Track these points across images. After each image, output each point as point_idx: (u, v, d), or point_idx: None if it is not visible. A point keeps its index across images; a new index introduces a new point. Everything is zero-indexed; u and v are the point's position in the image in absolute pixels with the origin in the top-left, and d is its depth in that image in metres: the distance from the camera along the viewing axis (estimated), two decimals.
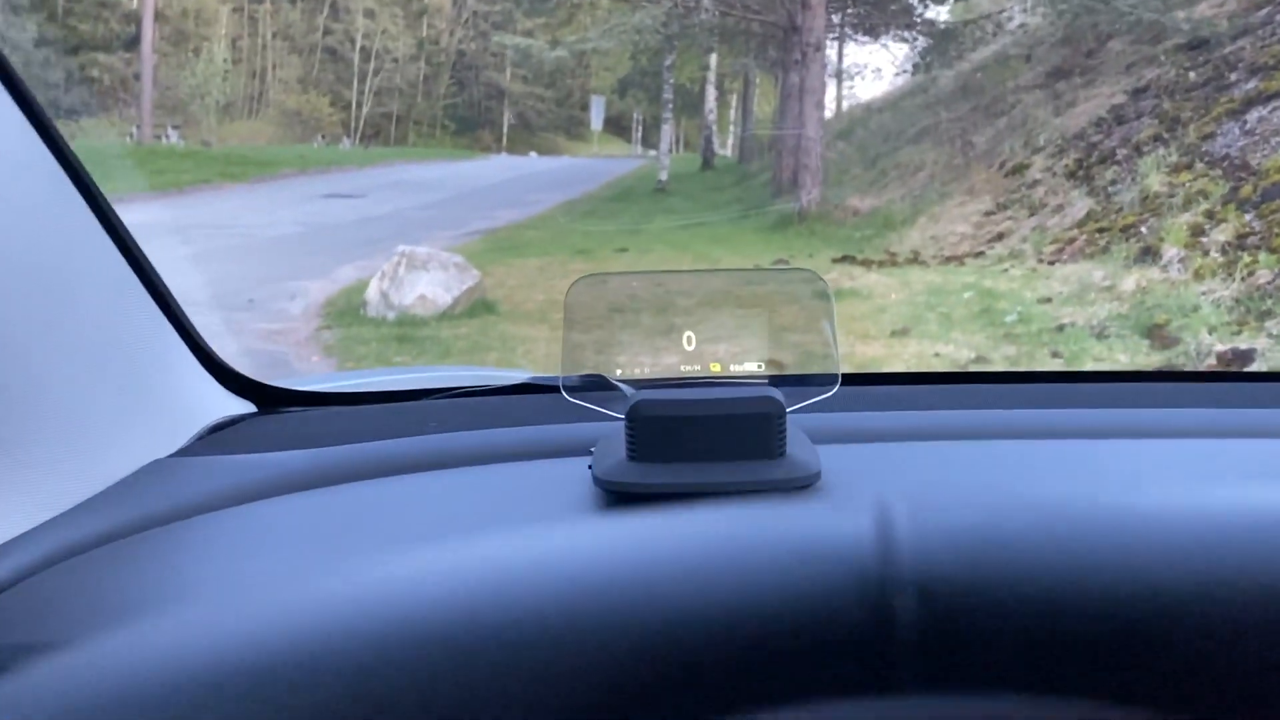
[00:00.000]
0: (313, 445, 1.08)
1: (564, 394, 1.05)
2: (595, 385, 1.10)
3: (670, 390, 0.98)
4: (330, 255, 11.02)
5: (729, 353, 1.08)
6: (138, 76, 28.86)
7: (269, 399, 1.28)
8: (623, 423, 0.94)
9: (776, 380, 1.06)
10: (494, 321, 7.46)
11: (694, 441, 0.92)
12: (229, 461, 1.05)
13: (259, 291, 8.77)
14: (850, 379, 1.08)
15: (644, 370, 1.09)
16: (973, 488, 0.90)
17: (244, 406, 1.26)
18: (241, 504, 0.96)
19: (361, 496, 0.98)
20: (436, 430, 1.11)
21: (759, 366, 1.07)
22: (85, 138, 29.40)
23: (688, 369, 1.07)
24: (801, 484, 0.91)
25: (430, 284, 7.73)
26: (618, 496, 0.91)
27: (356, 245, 11.69)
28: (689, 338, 1.08)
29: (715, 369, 1.06)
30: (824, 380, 1.06)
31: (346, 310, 7.86)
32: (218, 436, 1.16)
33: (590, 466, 0.96)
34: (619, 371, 1.10)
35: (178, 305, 1.18)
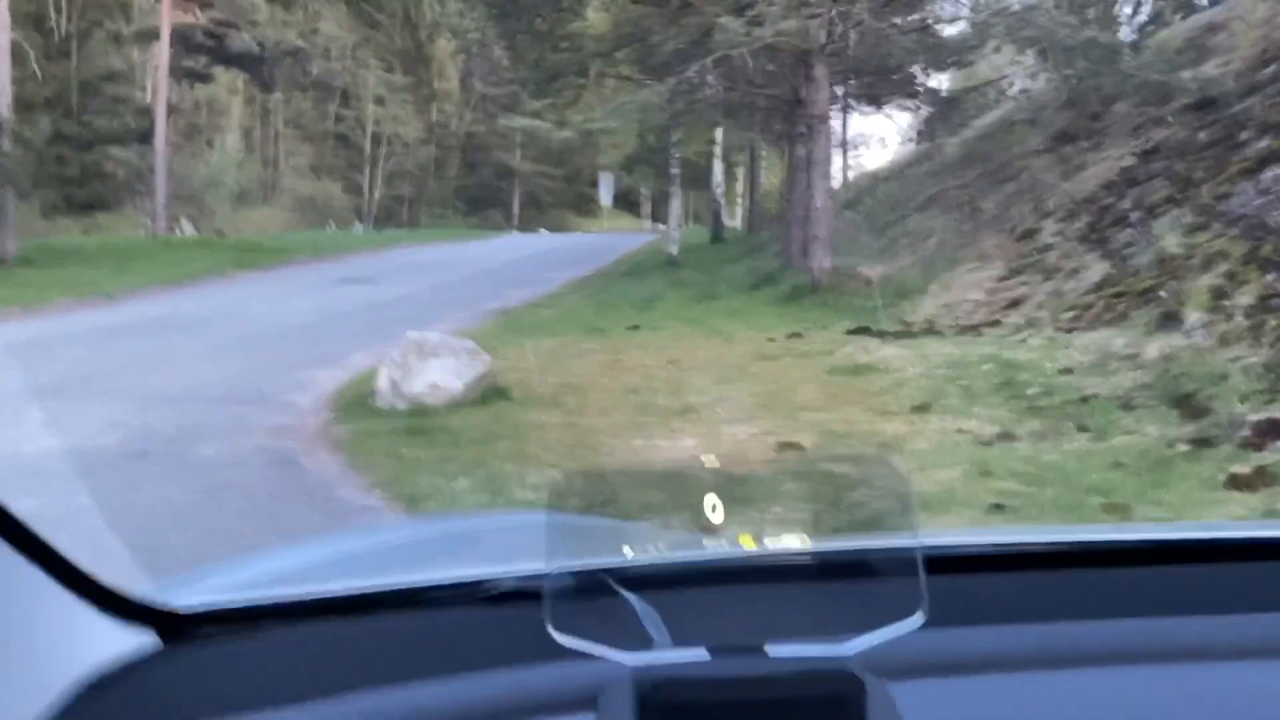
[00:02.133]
0: (234, 709, 0.82)
1: (551, 630, 0.80)
2: (594, 588, 0.84)
3: (697, 650, 0.73)
4: (342, 342, 10.99)
5: (764, 521, 0.91)
6: (152, 169, 29.20)
7: (174, 623, 0.95)
8: (629, 679, 0.71)
9: (834, 570, 0.87)
10: (506, 409, 7.35)
11: None
12: None
13: (269, 382, 8.70)
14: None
15: (657, 548, 0.90)
16: None
17: (140, 637, 0.93)
18: None
19: None
20: (384, 680, 0.86)
21: (801, 541, 0.87)
22: (101, 232, 29.75)
23: (711, 543, 0.86)
24: None
25: (441, 371, 7.64)
26: None
27: (368, 331, 11.65)
28: (714, 505, 0.86)
29: (746, 543, 0.87)
30: (903, 606, 0.79)
31: (356, 401, 7.77)
32: (102, 694, 0.86)
33: None
34: (627, 552, 0.90)
35: (16, 515, 0.84)
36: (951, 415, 6.37)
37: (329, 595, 1.01)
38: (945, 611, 0.85)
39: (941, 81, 19.43)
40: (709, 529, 0.86)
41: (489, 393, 7.68)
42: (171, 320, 13.57)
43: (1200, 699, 0.78)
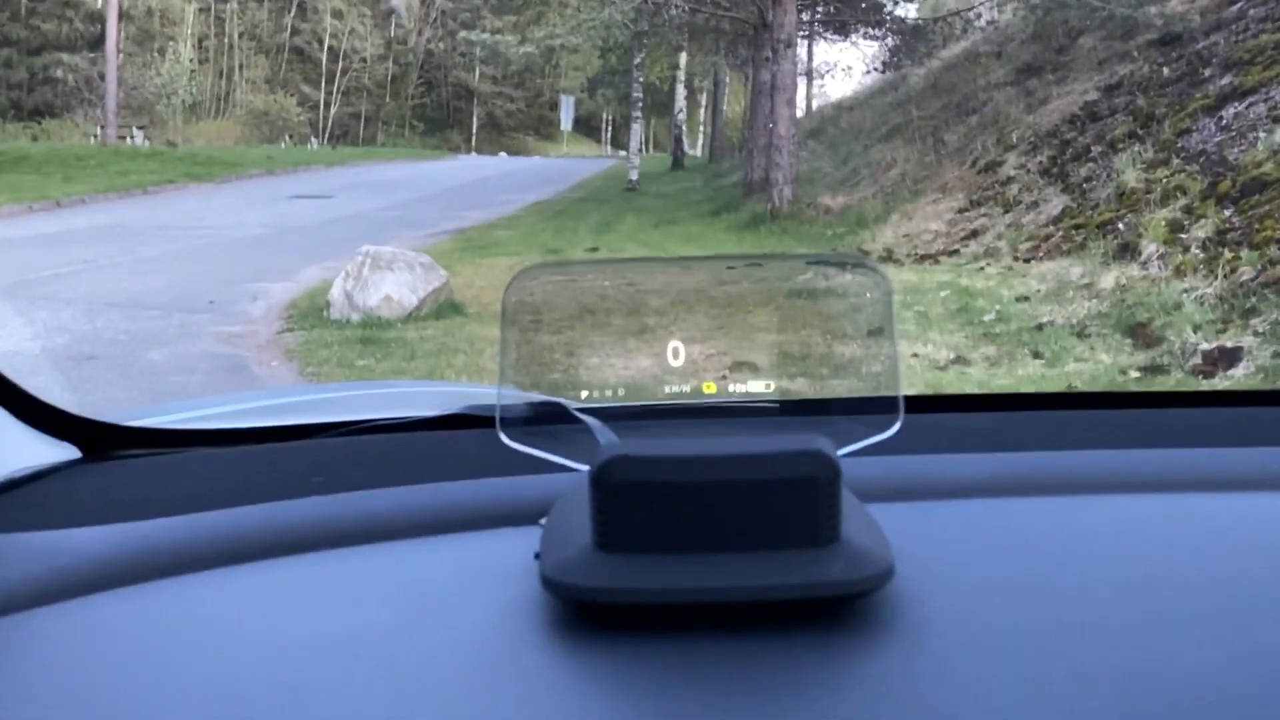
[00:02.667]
0: (144, 514, 0.76)
1: (501, 435, 0.75)
2: (548, 416, 0.81)
3: (660, 440, 0.64)
4: (296, 256, 10.82)
5: (729, 366, 0.87)
6: (102, 76, 28.50)
7: (99, 440, 0.93)
8: (587, 483, 0.62)
9: (803, 407, 0.83)
10: (461, 323, 7.28)
11: (698, 520, 0.60)
12: (14, 542, 0.71)
13: (221, 293, 8.56)
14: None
15: (615, 394, 0.85)
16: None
17: (63, 453, 0.90)
18: (23, 610, 0.64)
19: (202, 597, 0.67)
20: (321, 489, 0.79)
21: (767, 386, 0.83)
22: (49, 139, 29.03)
23: (673, 390, 0.81)
24: (866, 588, 0.61)
25: (396, 285, 7.54)
26: (579, 609, 0.61)
27: (323, 246, 11.49)
28: (675, 349, 0.82)
29: (709, 389, 0.82)
30: (881, 411, 0.76)
31: (310, 312, 7.66)
32: (13, 497, 0.82)
33: (537, 555, 0.65)
34: (582, 395, 0.83)
35: None
36: (907, 340, 6.37)
37: (267, 421, 0.98)
38: (921, 441, 0.83)
39: (909, 10, 19.28)
40: (669, 375, 0.83)
41: (444, 307, 7.60)
42: (121, 229, 13.31)
43: (1185, 526, 0.76)
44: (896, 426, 0.77)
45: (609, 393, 0.87)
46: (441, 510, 0.77)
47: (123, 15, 27.83)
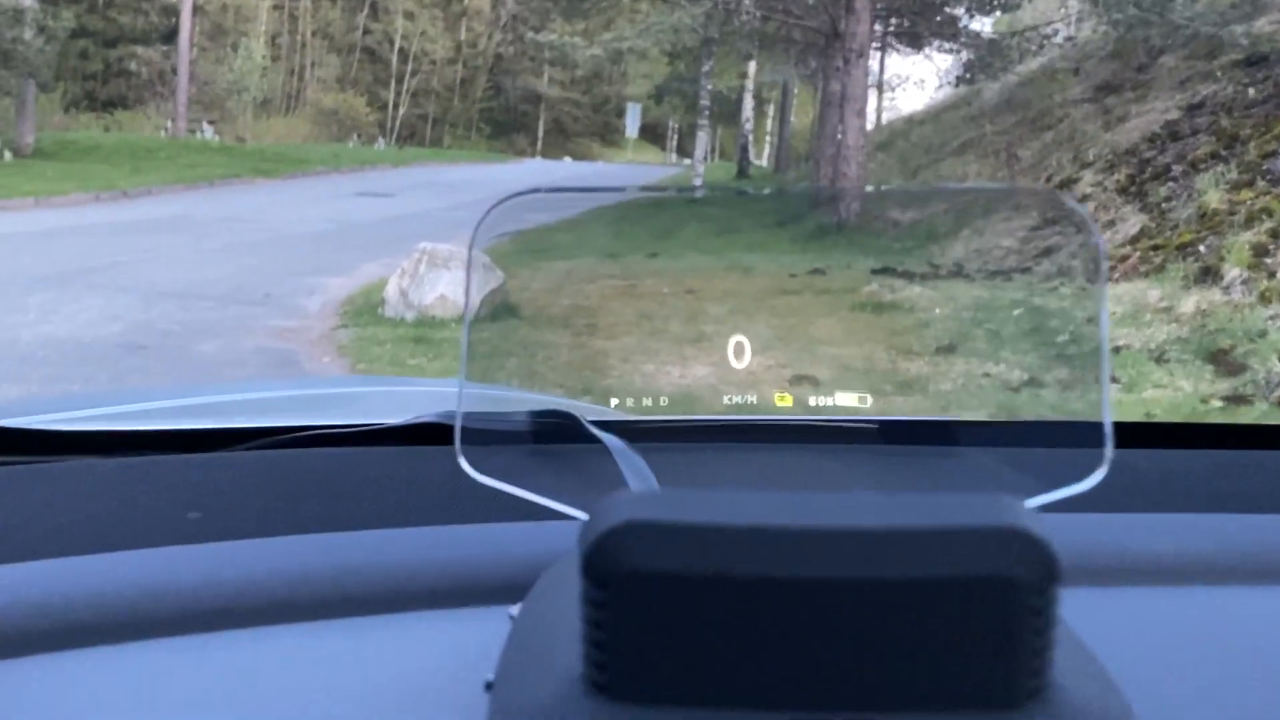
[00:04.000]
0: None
1: (461, 460, 0.52)
2: (550, 432, 0.59)
3: (711, 493, 0.36)
4: (355, 252, 10.77)
5: (807, 370, 0.66)
6: (175, 70, 28.86)
7: None
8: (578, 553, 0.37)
9: (919, 433, 0.59)
10: (515, 326, 7.14)
11: (779, 653, 0.34)
12: None
13: (279, 287, 8.50)
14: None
15: (656, 402, 0.64)
16: None
17: None
18: None
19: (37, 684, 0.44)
20: (196, 535, 0.54)
21: (861, 400, 0.61)
22: (120, 130, 29.44)
23: (734, 402, 0.61)
24: None
25: (451, 283, 7.42)
26: None
27: (384, 243, 11.43)
28: (738, 345, 0.62)
29: (783, 402, 0.61)
30: (1060, 442, 0.52)
31: (365, 309, 7.57)
32: None
33: (487, 686, 0.39)
34: (611, 402, 0.62)
35: None
36: (978, 359, 6.15)
37: (156, 424, 0.77)
38: (1116, 490, 0.58)
39: (984, 25, 18.93)
40: (729, 381, 0.63)
41: (499, 309, 7.46)
42: (184, 220, 13.37)
43: None
44: (1101, 473, 0.53)
45: (647, 401, 0.67)
46: (369, 575, 0.50)
47: (197, 10, 28.18)
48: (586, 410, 0.66)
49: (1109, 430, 0.53)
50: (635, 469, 0.56)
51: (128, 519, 0.60)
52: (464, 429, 0.54)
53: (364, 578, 0.50)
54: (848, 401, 0.61)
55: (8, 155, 18.43)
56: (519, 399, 0.66)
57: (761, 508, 0.34)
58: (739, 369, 0.62)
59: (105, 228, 12.10)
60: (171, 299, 7.68)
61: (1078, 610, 0.40)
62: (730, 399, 0.61)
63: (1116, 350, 6.22)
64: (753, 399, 0.61)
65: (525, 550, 0.51)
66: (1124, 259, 8.35)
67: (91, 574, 0.50)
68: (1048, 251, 9.42)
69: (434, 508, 0.60)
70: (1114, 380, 5.65)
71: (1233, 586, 0.55)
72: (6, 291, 7.59)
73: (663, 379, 0.76)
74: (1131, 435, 0.72)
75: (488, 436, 0.56)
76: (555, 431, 0.60)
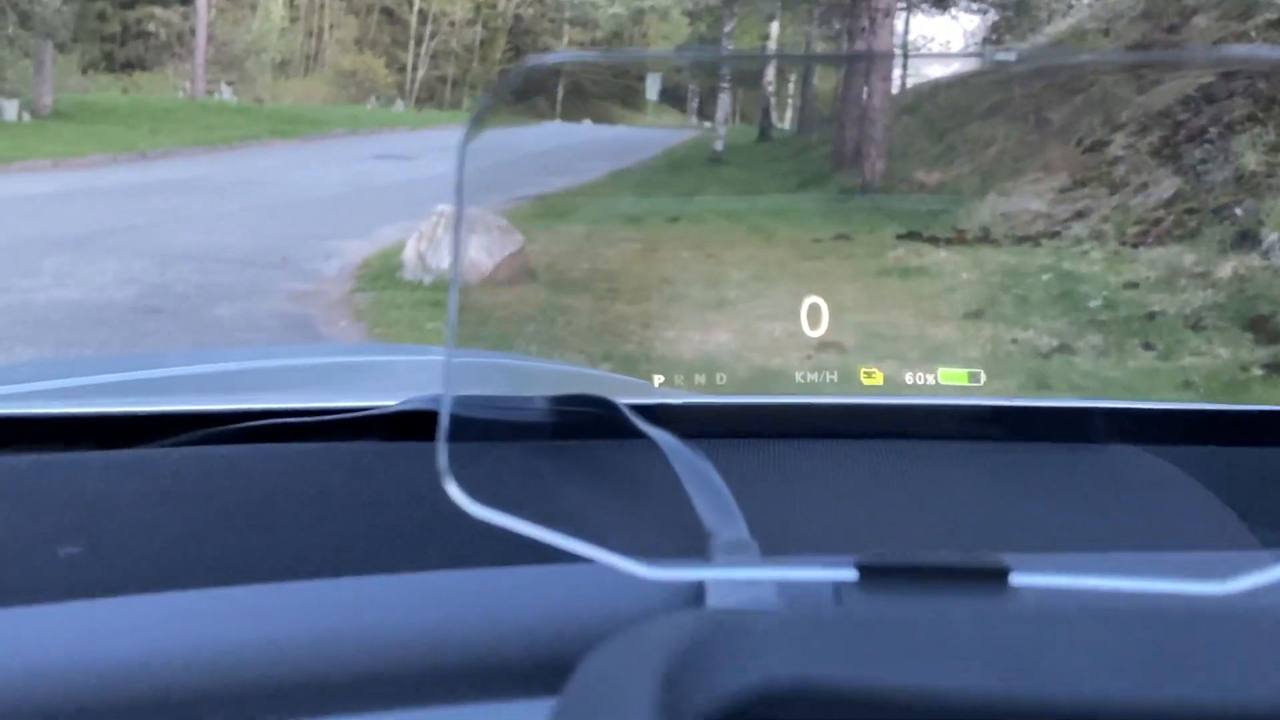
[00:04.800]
0: None
1: (450, 488, 0.37)
2: (579, 424, 0.45)
3: (825, 564, 0.30)
4: (373, 215, 10.66)
5: (833, 337, 0.53)
6: (194, 31, 28.67)
7: None
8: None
9: (1058, 424, 0.46)
10: (535, 290, 7.03)
11: None
12: None
13: (296, 250, 8.40)
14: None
15: (713, 379, 0.50)
16: None
17: None
18: None
19: None
20: (69, 588, 0.38)
21: (974, 378, 0.49)
22: (138, 92, 29.34)
23: (811, 380, 0.50)
24: None
25: (471, 246, 7.30)
26: None
27: (402, 206, 11.31)
28: (814, 308, 0.49)
29: (871, 381, 0.48)
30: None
31: (382, 273, 7.47)
32: None
33: None
34: (656, 380, 0.49)
35: None
36: (1006, 324, 5.99)
37: (84, 407, 0.60)
38: None
39: None
40: (803, 352, 0.50)
41: (518, 273, 7.35)
42: (202, 182, 13.27)
43: None
44: None
45: (699, 378, 0.54)
46: (334, 658, 0.35)
47: None
48: (620, 387, 0.51)
49: None
50: (705, 487, 0.42)
51: None
52: (457, 426, 0.39)
53: (327, 663, 0.35)
54: (955, 381, 0.48)
55: (26, 116, 18.34)
56: (526, 371, 0.53)
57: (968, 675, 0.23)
58: (813, 337, 0.48)
59: (122, 189, 12.01)
60: (188, 262, 7.58)
61: None
62: (803, 375, 0.47)
63: (1151, 317, 6.06)
64: (834, 376, 0.47)
65: (550, 607, 0.37)
66: (1157, 222, 8.16)
67: None
68: (1079, 215, 9.22)
69: (424, 539, 0.44)
70: (1149, 348, 5.50)
71: None
72: (23, 255, 7.51)
73: (683, 345, 0.63)
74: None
75: (490, 430, 0.41)
76: (584, 424, 0.46)
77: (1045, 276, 7.04)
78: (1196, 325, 5.84)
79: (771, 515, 0.41)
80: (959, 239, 9.35)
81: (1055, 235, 8.86)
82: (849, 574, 0.30)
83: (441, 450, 0.38)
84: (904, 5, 19.32)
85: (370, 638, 0.34)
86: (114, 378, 0.84)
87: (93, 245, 8.01)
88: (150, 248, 8.07)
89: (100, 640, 0.33)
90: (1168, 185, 8.80)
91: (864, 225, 11.05)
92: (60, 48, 20.68)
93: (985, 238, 9.16)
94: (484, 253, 7.44)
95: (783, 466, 0.49)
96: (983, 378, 0.50)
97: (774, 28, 23.52)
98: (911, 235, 10.04)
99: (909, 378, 0.49)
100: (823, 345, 0.61)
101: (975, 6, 17.84)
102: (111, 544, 0.42)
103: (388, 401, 0.58)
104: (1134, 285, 6.73)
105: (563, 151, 24.11)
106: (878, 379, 0.49)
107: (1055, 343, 5.65)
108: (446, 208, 7.51)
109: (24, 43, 18.75)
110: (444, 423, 0.39)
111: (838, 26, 19.10)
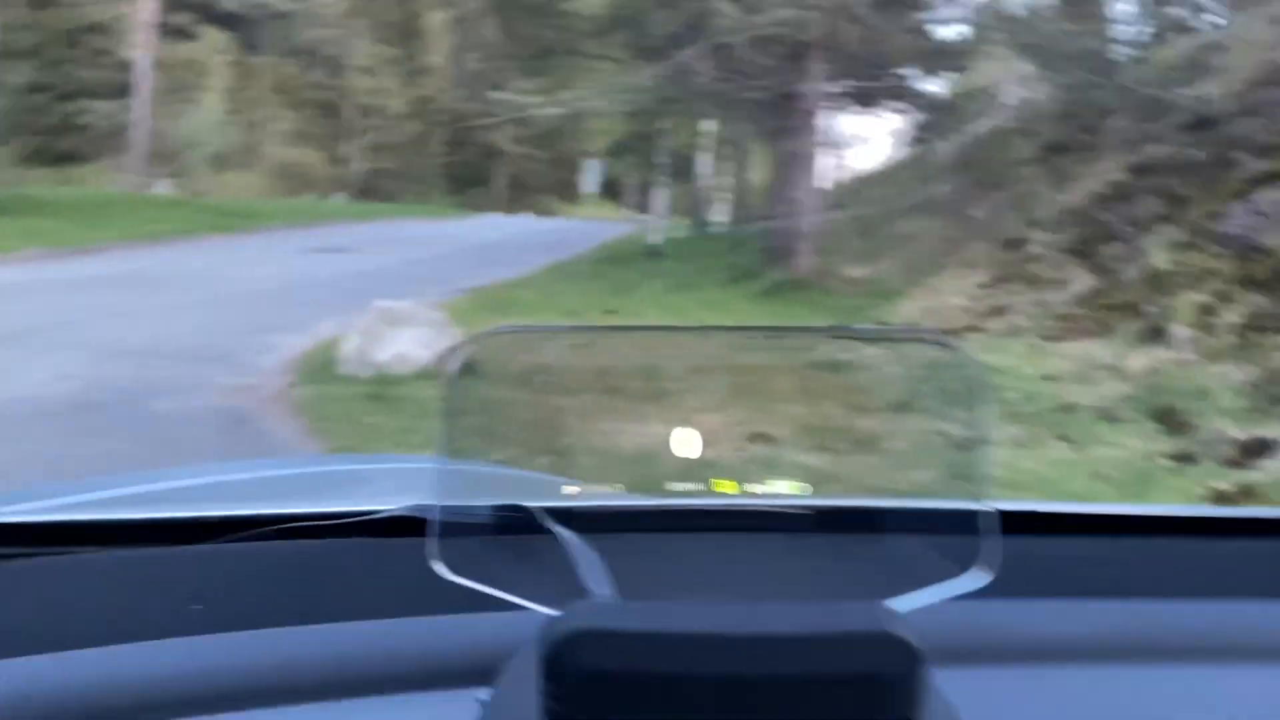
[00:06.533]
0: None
1: (435, 565, 0.57)
2: (510, 523, 0.64)
3: (648, 606, 0.45)
4: (312, 309, 10.73)
5: (764, 428, 0.71)
6: (132, 124, 28.76)
7: None
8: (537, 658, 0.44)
9: (846, 520, 0.65)
10: (474, 383, 7.15)
11: None
12: None
13: (232, 343, 8.46)
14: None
15: (610, 484, 0.69)
16: None
17: None
18: None
19: None
20: (199, 626, 0.59)
21: (800, 489, 0.65)
22: (76, 185, 29.24)
23: (679, 487, 0.64)
24: None
25: (409, 341, 7.42)
26: None
27: (341, 300, 11.39)
28: (684, 436, 0.65)
29: (725, 488, 0.66)
30: (959, 530, 0.57)
31: (320, 366, 7.55)
32: None
33: None
34: (562, 489, 0.67)
35: None
36: (929, 417, 6.22)
37: (127, 514, 0.82)
38: (1010, 577, 0.63)
39: (935, 85, 19.29)
40: (675, 469, 0.67)
41: (465, 367, 7.47)
42: (140, 277, 13.28)
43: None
44: (990, 571, 0.57)
45: (601, 483, 0.71)
46: (354, 663, 0.58)
47: (154, 65, 28.19)
48: (548, 487, 0.71)
49: (996, 515, 0.58)
50: (588, 562, 0.61)
51: (130, 611, 0.64)
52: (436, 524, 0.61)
53: (349, 665, 0.58)
54: (785, 490, 0.66)
55: None
56: (488, 478, 0.71)
57: (687, 617, 0.43)
58: (684, 458, 0.66)
59: (60, 284, 12.00)
60: (125, 357, 7.62)
61: (968, 690, 0.47)
62: (674, 484, 0.65)
63: (1066, 409, 6.31)
64: (699, 485, 0.65)
65: (496, 639, 0.57)
66: (1073, 318, 8.50)
67: (95, 666, 0.56)
68: (998, 310, 9.57)
69: (411, 598, 0.65)
70: (1064, 439, 5.73)
71: (1122, 666, 0.61)
72: None
73: (619, 437, 0.80)
74: (1026, 522, 0.81)
75: (456, 529, 0.60)
76: (517, 522, 0.66)
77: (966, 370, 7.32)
78: (1109, 417, 6.09)
79: (633, 582, 0.59)
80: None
81: (977, 330, 9.18)
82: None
83: (431, 543, 0.58)
84: (831, 105, 19.93)
85: (371, 655, 0.54)
86: (169, 485, 1.04)
87: (30, 341, 8.02)
88: (87, 342, 8.09)
89: (215, 659, 0.57)
90: (1083, 282, 9.18)
91: (796, 318, 11.35)
92: None
93: (912, 331, 9.45)
94: (420, 345, 7.56)
95: (651, 551, 0.66)
96: (810, 489, 0.66)
97: (708, 125, 24.09)
98: (840, 329, 10.29)
99: (754, 488, 0.66)
100: (753, 437, 0.78)
101: (900, 106, 18.45)
102: (214, 604, 0.64)
103: (373, 506, 0.79)
104: (1051, 378, 7.02)
105: (501, 244, 24.37)
106: (732, 487, 0.66)
107: (975, 434, 5.87)
108: (385, 304, 7.64)
109: None
110: (435, 530, 0.59)
111: (770, 123, 19.64)
